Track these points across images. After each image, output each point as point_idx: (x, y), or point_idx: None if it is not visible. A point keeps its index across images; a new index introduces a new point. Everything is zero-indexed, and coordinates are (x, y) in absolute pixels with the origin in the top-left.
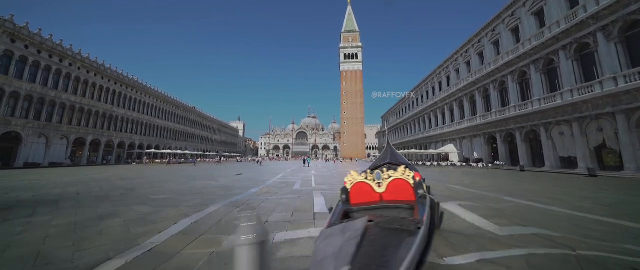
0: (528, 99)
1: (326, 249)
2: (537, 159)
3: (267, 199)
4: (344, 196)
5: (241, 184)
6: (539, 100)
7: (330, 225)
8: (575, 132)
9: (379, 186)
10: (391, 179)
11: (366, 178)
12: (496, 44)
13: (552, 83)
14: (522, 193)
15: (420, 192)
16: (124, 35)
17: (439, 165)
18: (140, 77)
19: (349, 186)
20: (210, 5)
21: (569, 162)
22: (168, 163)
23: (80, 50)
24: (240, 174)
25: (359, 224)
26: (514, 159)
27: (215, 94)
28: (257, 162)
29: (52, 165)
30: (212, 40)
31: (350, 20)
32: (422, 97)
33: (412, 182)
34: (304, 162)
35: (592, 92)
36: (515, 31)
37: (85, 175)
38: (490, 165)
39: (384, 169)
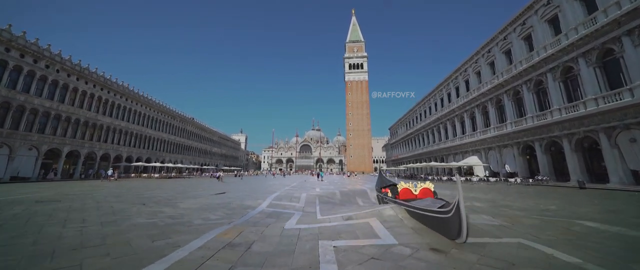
0: (576, 100)
1: (425, 203)
2: (591, 172)
3: None
4: (392, 192)
5: (201, 217)
6: (595, 99)
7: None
8: None
9: (415, 190)
10: (422, 187)
11: (408, 186)
12: (528, 39)
13: (612, 78)
14: None
15: (436, 195)
16: (122, 43)
17: (468, 180)
18: (137, 87)
19: (399, 189)
20: (211, 18)
21: None
22: (105, 178)
23: (60, 52)
24: (223, 193)
25: (429, 200)
26: (558, 173)
27: (217, 107)
28: (217, 178)
29: (15, 179)
30: (213, 51)
31: (354, 30)
32: (435, 105)
33: (432, 189)
34: (318, 176)
35: None
36: (553, 22)
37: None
38: (530, 180)
39: (419, 182)
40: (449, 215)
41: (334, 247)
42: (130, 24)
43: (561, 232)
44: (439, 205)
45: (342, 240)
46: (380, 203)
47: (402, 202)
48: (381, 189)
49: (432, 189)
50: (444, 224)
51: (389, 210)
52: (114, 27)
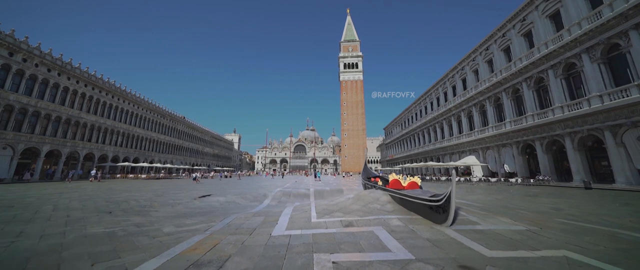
0: (579, 97)
1: (416, 193)
2: (593, 172)
3: None
4: (383, 182)
5: (174, 223)
6: (600, 96)
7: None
8: None
9: (404, 182)
10: (410, 180)
11: (399, 177)
12: (528, 35)
13: (619, 74)
14: None
15: (421, 187)
16: (122, 44)
17: (467, 180)
18: (135, 87)
19: (389, 179)
20: (211, 18)
21: None
22: (70, 179)
23: (39, 44)
24: (209, 195)
25: (418, 191)
26: (559, 172)
27: (216, 107)
28: (194, 179)
29: None
30: (214, 51)
31: (349, 29)
32: (431, 104)
33: (419, 182)
34: (315, 177)
35: None
36: (555, 17)
37: None
38: (531, 180)
39: (408, 175)
40: (440, 203)
41: (333, 263)
42: (131, 25)
43: (607, 240)
44: (430, 195)
45: (343, 253)
46: (366, 189)
47: (392, 190)
48: (369, 178)
49: (419, 183)
50: (433, 210)
51: (396, 220)
52: (114, 28)
